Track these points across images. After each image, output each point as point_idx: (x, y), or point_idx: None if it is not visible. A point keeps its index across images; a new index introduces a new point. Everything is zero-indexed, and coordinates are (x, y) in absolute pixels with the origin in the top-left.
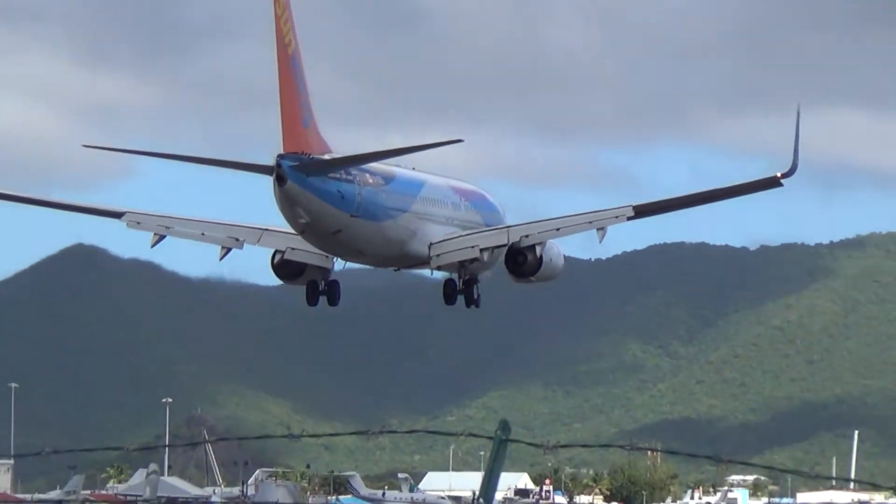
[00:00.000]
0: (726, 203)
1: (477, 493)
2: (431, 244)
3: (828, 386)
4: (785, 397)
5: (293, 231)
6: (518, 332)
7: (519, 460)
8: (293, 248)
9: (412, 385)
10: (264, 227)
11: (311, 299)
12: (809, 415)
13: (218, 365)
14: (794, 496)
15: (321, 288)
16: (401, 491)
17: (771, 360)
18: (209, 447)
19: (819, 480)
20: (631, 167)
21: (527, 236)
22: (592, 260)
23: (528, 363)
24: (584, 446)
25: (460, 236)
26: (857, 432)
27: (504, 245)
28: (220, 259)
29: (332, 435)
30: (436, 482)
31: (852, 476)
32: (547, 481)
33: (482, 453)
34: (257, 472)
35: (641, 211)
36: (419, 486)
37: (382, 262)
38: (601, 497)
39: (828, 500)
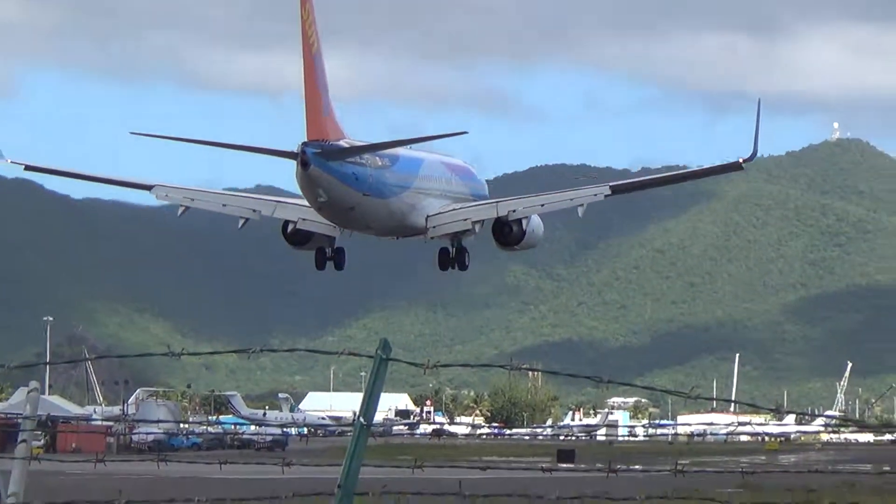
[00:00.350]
0: (608, 123)
1: (357, 412)
2: (428, 216)
3: (709, 309)
4: (666, 320)
5: (304, 203)
6: (400, 255)
7: (400, 381)
8: (304, 219)
9: (293, 306)
10: (278, 199)
11: (320, 264)
12: (690, 337)
13: (98, 284)
14: (674, 418)
15: (328, 254)
16: (281, 411)
17: (652, 282)
18: (90, 366)
19: (699, 402)
20: (517, 90)
21: (514, 211)
22: None
23: (410, 285)
24: (463, 366)
25: (454, 209)
26: (738, 355)
27: (493, 218)
28: (240, 227)
29: (212, 353)
30: (316, 402)
31: (733, 398)
32: (428, 402)
33: (362, 374)
34: (138, 391)
35: (617, 189)
36: (300, 406)
37: (385, 233)
38: (482, 418)
39: (708, 422)
